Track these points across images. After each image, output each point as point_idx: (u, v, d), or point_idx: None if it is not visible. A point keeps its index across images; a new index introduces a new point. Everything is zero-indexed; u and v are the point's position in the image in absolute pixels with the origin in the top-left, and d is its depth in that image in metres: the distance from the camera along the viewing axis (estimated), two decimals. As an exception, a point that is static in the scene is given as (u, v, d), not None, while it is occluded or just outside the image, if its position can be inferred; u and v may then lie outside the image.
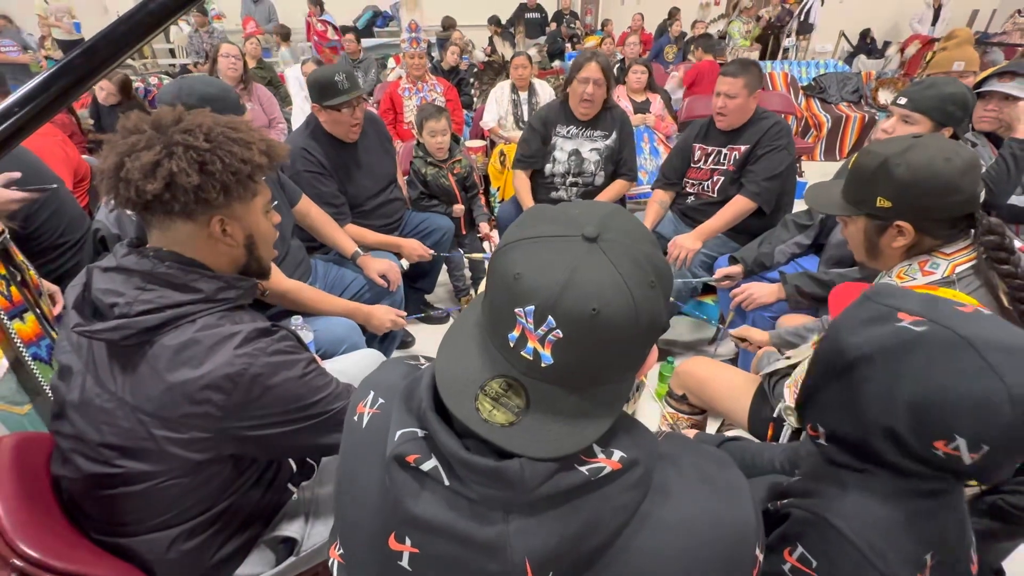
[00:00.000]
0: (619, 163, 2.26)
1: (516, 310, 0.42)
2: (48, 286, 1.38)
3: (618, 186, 2.28)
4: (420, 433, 0.47)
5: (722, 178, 1.98)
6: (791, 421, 1.05)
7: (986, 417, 0.50)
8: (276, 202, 1.53)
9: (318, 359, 0.81)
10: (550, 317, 0.41)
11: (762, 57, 6.23)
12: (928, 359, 0.53)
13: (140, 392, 0.70)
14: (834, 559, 0.57)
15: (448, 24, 6.14)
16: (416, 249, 1.94)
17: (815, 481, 0.64)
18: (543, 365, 0.42)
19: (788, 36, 6.37)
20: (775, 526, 0.64)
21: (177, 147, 0.70)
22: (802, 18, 6.44)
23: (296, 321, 1.30)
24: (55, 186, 1.51)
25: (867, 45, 6.65)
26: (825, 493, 0.61)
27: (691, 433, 1.16)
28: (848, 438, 0.61)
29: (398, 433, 0.47)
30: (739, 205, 1.90)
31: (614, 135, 2.22)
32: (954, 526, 0.59)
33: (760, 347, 1.41)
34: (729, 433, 1.33)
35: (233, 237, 0.79)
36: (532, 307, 0.41)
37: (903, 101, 1.45)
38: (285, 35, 5.71)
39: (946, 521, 0.58)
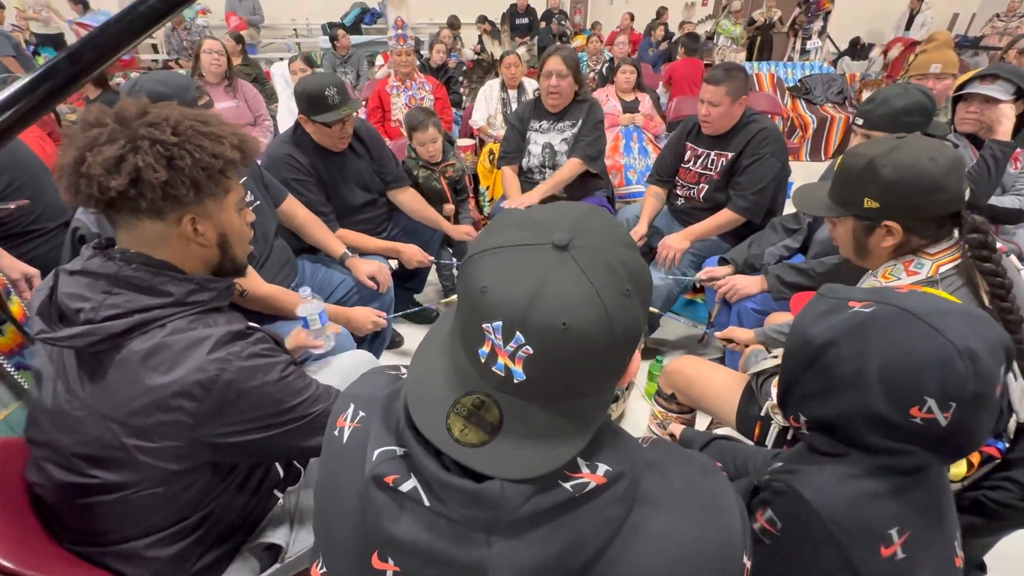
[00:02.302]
0: (575, 143, 2.21)
1: (484, 325, 0.40)
2: (23, 268, 1.33)
3: (570, 165, 2.18)
4: (399, 452, 0.46)
5: (707, 186, 1.99)
6: (778, 420, 1.05)
7: (945, 373, 0.56)
8: (258, 201, 1.51)
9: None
10: (518, 333, 0.39)
11: (751, 58, 6.29)
12: (884, 333, 0.60)
13: (109, 399, 0.68)
14: (796, 524, 0.63)
15: (452, 23, 6.09)
16: (416, 255, 1.91)
17: (795, 462, 0.70)
18: (515, 381, 0.41)
19: (809, 38, 6.36)
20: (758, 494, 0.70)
21: (143, 141, 0.66)
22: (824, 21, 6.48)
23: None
24: (14, 205, 1.44)
25: (856, 51, 6.75)
26: (801, 470, 0.66)
27: (680, 430, 1.16)
28: (828, 424, 0.66)
29: (376, 452, 0.46)
30: (727, 217, 1.91)
31: (579, 123, 2.23)
32: (929, 506, 0.62)
33: (746, 346, 1.42)
34: (718, 431, 1.35)
35: (205, 236, 0.76)
36: (499, 323, 0.39)
37: (860, 121, 1.49)
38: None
39: (920, 499, 0.62)
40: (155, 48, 7.21)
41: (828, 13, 6.54)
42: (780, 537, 0.64)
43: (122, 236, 0.73)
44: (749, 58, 6.29)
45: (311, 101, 1.70)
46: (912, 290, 0.66)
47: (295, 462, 0.95)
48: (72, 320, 0.68)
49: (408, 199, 2.08)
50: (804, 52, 6.31)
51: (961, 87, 1.73)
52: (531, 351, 0.39)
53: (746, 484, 0.73)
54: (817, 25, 6.53)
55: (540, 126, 2.28)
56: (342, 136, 1.79)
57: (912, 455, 0.61)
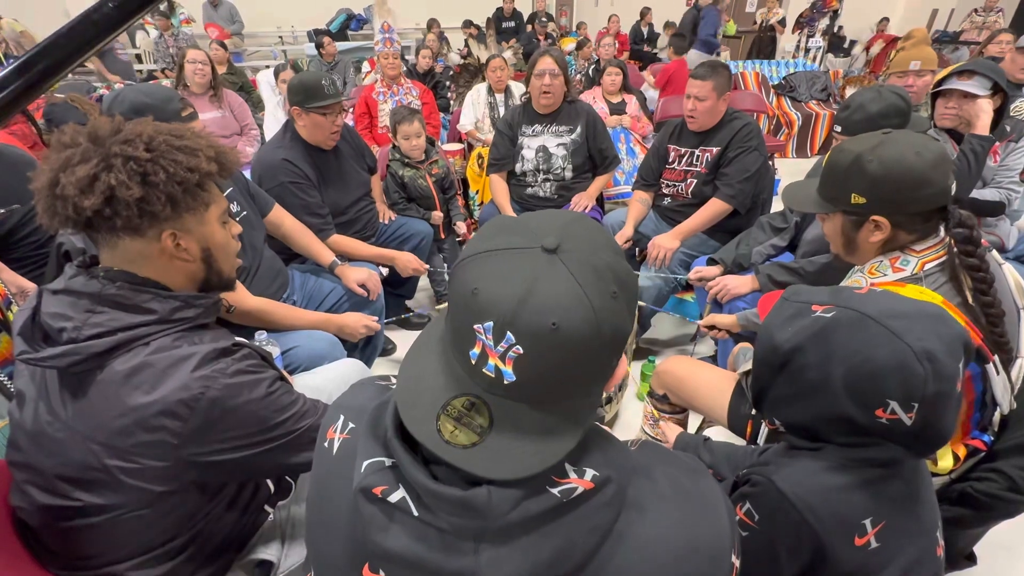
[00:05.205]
0: (597, 154, 2.30)
1: (475, 326, 0.41)
2: (22, 283, 1.33)
3: (599, 181, 2.34)
4: (387, 462, 0.46)
5: (695, 180, 2.01)
6: (768, 418, 1.06)
7: (904, 376, 0.57)
8: (244, 212, 1.50)
9: (288, 376, 0.79)
10: (509, 333, 0.40)
11: (748, 57, 6.30)
12: (845, 337, 0.62)
13: (91, 420, 0.67)
14: (773, 515, 0.65)
15: (429, 25, 6.13)
16: (411, 264, 1.91)
17: (774, 456, 0.72)
18: (506, 382, 0.41)
19: (813, 36, 6.34)
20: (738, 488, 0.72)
21: (116, 159, 0.66)
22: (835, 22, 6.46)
23: (261, 336, 1.26)
24: (4, 210, 1.45)
25: (838, 38, 6.76)
26: (778, 463, 0.69)
27: (672, 432, 1.16)
28: (802, 425, 0.68)
29: (365, 463, 0.46)
30: (715, 208, 1.93)
31: (579, 129, 2.25)
32: (906, 497, 0.64)
33: (731, 331, 1.46)
34: (709, 431, 1.35)
35: (188, 251, 0.75)
36: (490, 323, 0.40)
37: (839, 129, 1.53)
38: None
39: (896, 490, 0.63)
40: (139, 58, 7.14)
41: (835, 12, 6.54)
42: (758, 528, 0.66)
43: (104, 255, 0.73)
44: (734, 57, 6.33)
45: (307, 90, 1.73)
46: (871, 290, 0.68)
47: (286, 476, 0.94)
48: (55, 340, 0.67)
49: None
50: (807, 51, 6.30)
51: (939, 83, 1.75)
52: (521, 351, 0.40)
53: (729, 483, 0.74)
54: (822, 24, 6.53)
55: (532, 130, 2.28)
56: (333, 130, 1.82)
57: (885, 447, 0.62)
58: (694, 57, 5.56)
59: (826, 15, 6.48)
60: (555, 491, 0.42)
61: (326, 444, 0.54)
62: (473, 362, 0.42)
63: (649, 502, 0.47)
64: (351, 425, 0.53)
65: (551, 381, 0.42)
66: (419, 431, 0.43)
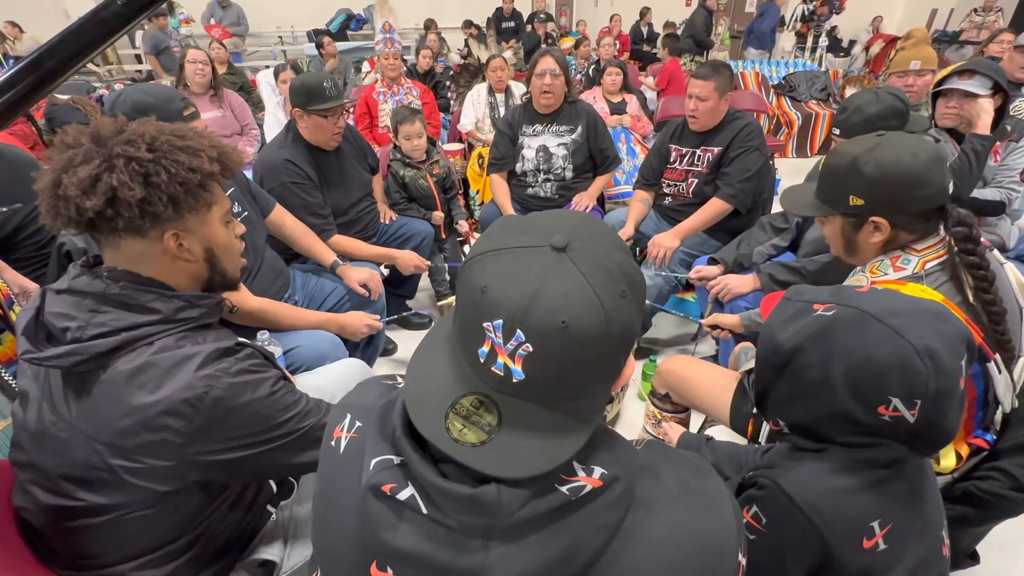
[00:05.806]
0: (598, 154, 2.31)
1: (484, 324, 0.41)
2: (23, 283, 1.33)
3: (600, 181, 2.34)
4: (396, 460, 0.46)
5: (696, 180, 2.01)
6: (770, 418, 1.06)
7: (906, 373, 0.58)
8: (246, 212, 1.50)
9: (290, 376, 0.79)
10: (519, 331, 0.40)
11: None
12: (846, 335, 0.62)
13: (95, 420, 0.67)
14: (781, 519, 0.65)
15: (427, 25, 6.13)
16: (412, 261, 1.91)
17: (778, 459, 0.71)
18: (514, 380, 0.41)
19: (819, 35, 6.28)
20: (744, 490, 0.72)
21: (118, 159, 0.65)
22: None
23: (263, 336, 1.26)
24: (7, 208, 1.45)
25: (835, 38, 6.75)
26: (783, 465, 0.69)
27: (675, 432, 1.16)
28: (805, 425, 0.68)
29: (373, 461, 0.46)
30: (716, 207, 1.93)
31: (580, 129, 2.25)
32: (911, 496, 0.64)
33: (734, 331, 1.45)
34: (712, 430, 1.35)
35: (191, 252, 0.75)
36: (500, 321, 0.40)
37: (837, 132, 1.53)
38: None
39: (901, 491, 0.63)
40: (139, 58, 7.13)
41: (840, 11, 6.52)
42: (766, 532, 0.66)
43: (107, 255, 0.73)
44: (733, 57, 6.33)
45: (310, 92, 1.73)
46: (873, 288, 0.68)
47: (289, 477, 0.94)
48: (59, 339, 0.67)
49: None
50: (813, 49, 6.25)
51: (940, 83, 1.75)
52: (530, 349, 0.40)
53: (735, 483, 0.74)
54: (828, 23, 6.50)
55: (533, 129, 2.28)
56: (335, 131, 1.82)
57: (888, 447, 0.62)
58: (752, 54, 5.51)
59: (836, 13, 6.46)
60: (563, 489, 0.42)
61: (333, 443, 0.54)
62: (482, 360, 0.42)
63: (657, 501, 0.47)
64: (358, 424, 0.53)
65: (560, 380, 0.42)
66: (428, 429, 0.43)
